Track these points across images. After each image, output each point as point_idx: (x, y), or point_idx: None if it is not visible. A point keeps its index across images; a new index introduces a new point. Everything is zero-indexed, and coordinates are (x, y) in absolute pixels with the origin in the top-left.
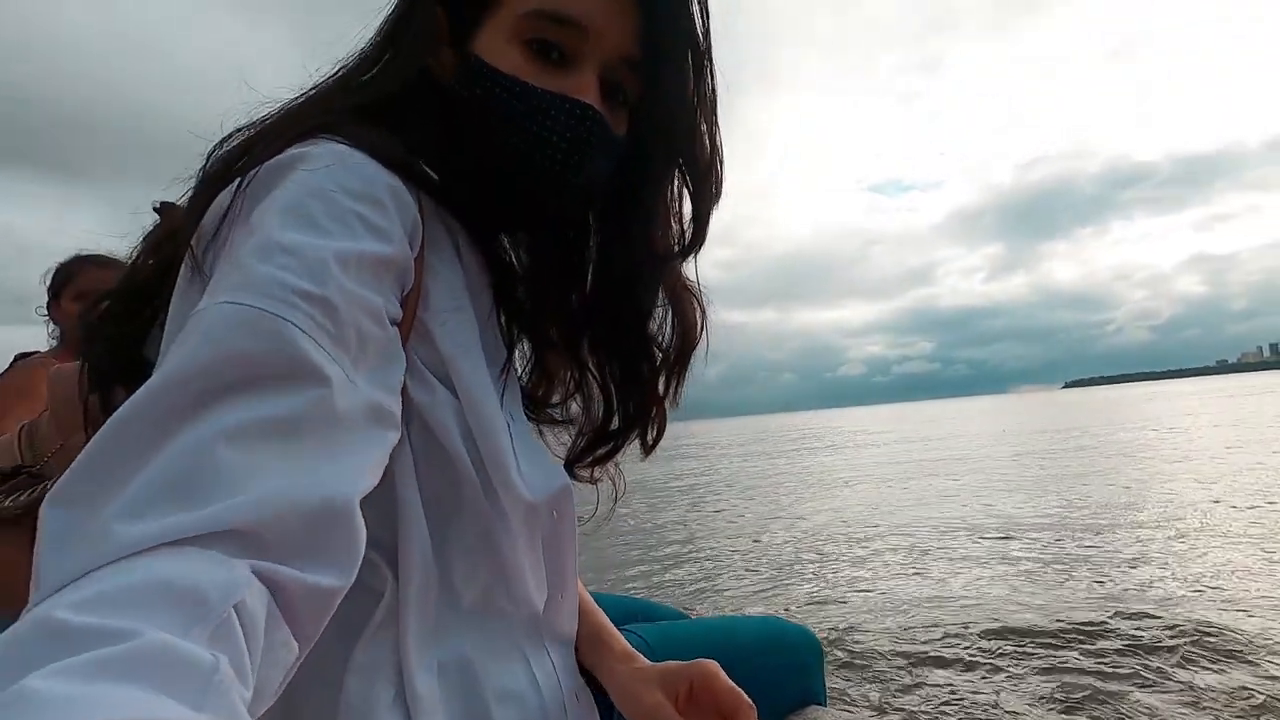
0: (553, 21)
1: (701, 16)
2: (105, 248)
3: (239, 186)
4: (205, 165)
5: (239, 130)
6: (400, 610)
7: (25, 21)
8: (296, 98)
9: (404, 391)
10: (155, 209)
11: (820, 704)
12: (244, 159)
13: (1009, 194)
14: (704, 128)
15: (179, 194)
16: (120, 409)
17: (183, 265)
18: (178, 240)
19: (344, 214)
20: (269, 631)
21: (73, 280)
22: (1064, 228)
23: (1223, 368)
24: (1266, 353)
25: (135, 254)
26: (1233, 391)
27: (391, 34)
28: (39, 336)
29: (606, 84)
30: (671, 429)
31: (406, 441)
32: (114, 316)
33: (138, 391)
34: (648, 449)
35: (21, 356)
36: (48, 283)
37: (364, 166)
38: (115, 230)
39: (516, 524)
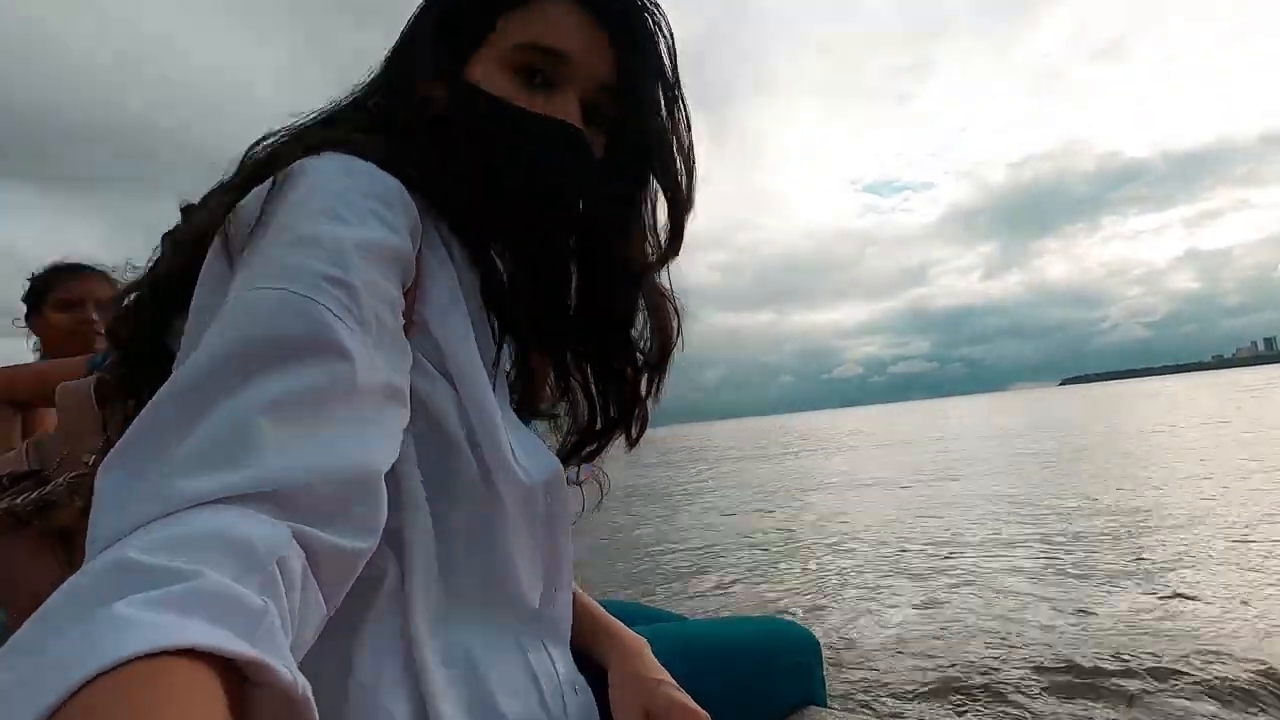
0: (540, 52)
1: (669, 51)
2: (94, 259)
3: (264, 189)
4: (240, 167)
5: (270, 135)
6: (405, 593)
7: (25, 39)
8: (313, 114)
9: None
10: (182, 209)
11: (820, 704)
12: (267, 166)
13: (1002, 193)
14: (676, 147)
15: (169, 205)
16: (165, 385)
17: (209, 260)
18: (203, 237)
19: (359, 209)
20: (304, 589)
21: (52, 289)
22: (1057, 226)
23: (1218, 363)
24: (1261, 347)
25: (159, 251)
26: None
27: (393, 67)
28: (22, 350)
29: (586, 107)
30: (676, 431)
31: (408, 427)
32: (141, 307)
33: (182, 368)
34: (632, 443)
35: None
36: (23, 294)
37: (372, 170)
38: (111, 241)
39: (513, 509)
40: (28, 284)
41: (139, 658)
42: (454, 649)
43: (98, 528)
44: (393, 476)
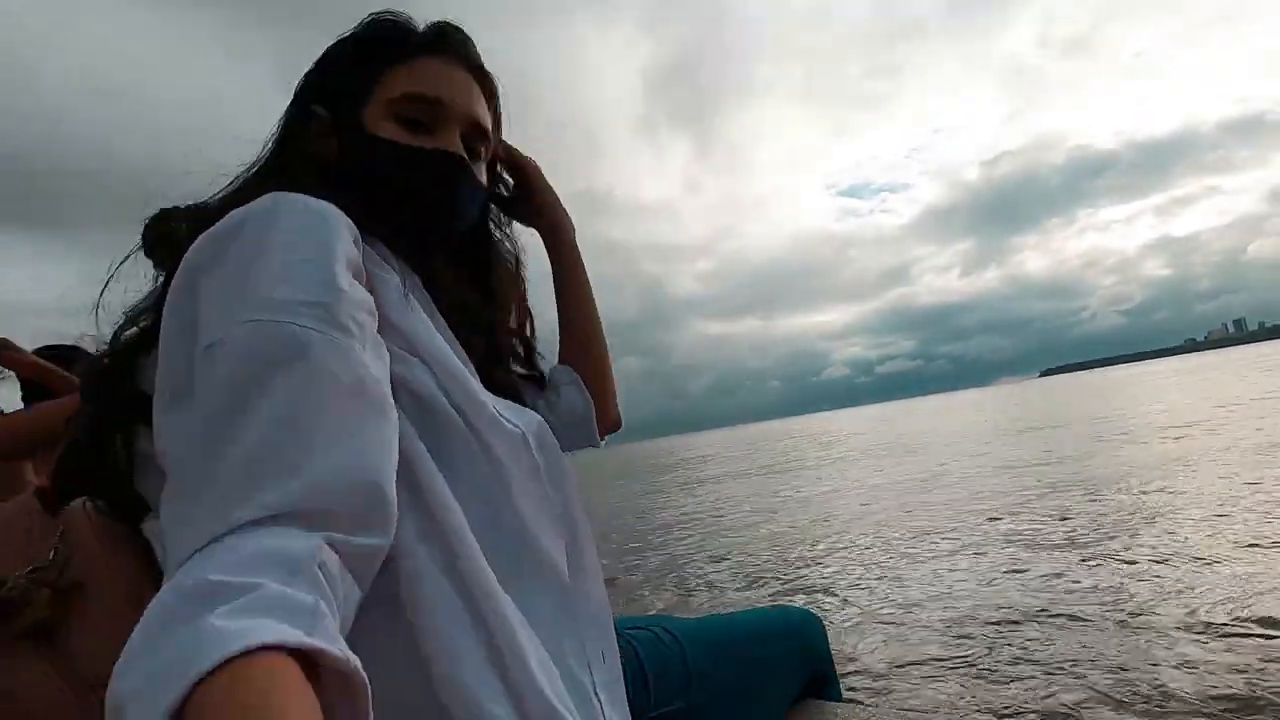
0: (416, 101)
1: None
2: (76, 299)
3: (216, 233)
4: (156, 236)
5: (220, 191)
6: (453, 571)
7: (1, 77)
8: (242, 170)
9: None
10: (153, 219)
11: (831, 679)
12: (208, 218)
13: (977, 190)
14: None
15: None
16: (178, 433)
17: (173, 304)
18: (158, 301)
19: (315, 230)
20: (343, 583)
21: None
22: (1032, 220)
23: (1191, 346)
24: (1231, 329)
25: (119, 323)
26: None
27: (291, 125)
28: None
29: (466, 143)
30: (668, 444)
31: (401, 413)
32: (117, 360)
33: (188, 417)
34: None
35: None
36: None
37: (306, 199)
38: (93, 280)
39: (511, 464)
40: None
41: (237, 656)
42: (501, 624)
43: (173, 552)
44: (404, 459)
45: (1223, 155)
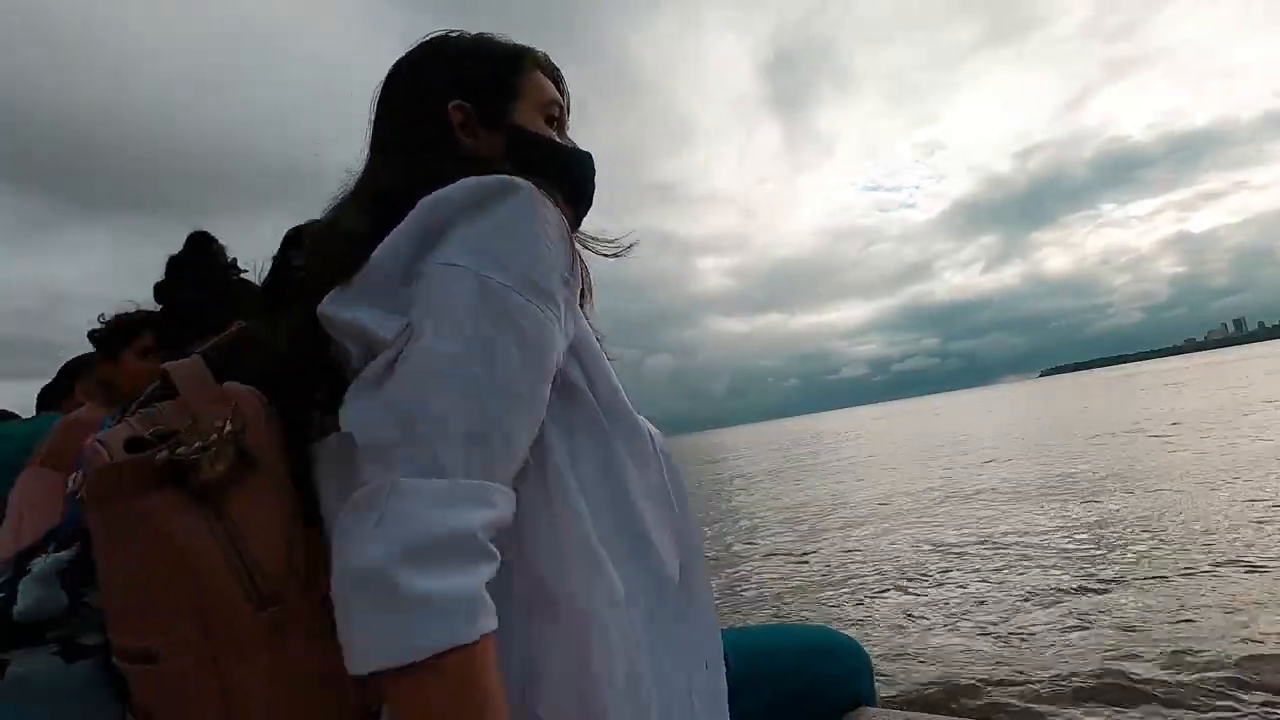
0: (554, 106)
1: None
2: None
3: (474, 190)
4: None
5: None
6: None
7: (117, 71)
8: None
9: None
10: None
11: (872, 704)
12: (406, 191)
13: (1008, 184)
14: None
15: (239, 225)
16: (460, 378)
17: (412, 225)
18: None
19: (560, 228)
20: None
21: (140, 335)
22: (1057, 215)
23: (1191, 346)
24: (1231, 329)
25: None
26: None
27: (434, 124)
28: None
29: None
30: (691, 441)
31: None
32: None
33: (468, 369)
34: None
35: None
36: (102, 332)
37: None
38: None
39: (637, 453)
40: (106, 324)
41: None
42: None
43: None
44: (541, 445)
45: (1255, 149)
